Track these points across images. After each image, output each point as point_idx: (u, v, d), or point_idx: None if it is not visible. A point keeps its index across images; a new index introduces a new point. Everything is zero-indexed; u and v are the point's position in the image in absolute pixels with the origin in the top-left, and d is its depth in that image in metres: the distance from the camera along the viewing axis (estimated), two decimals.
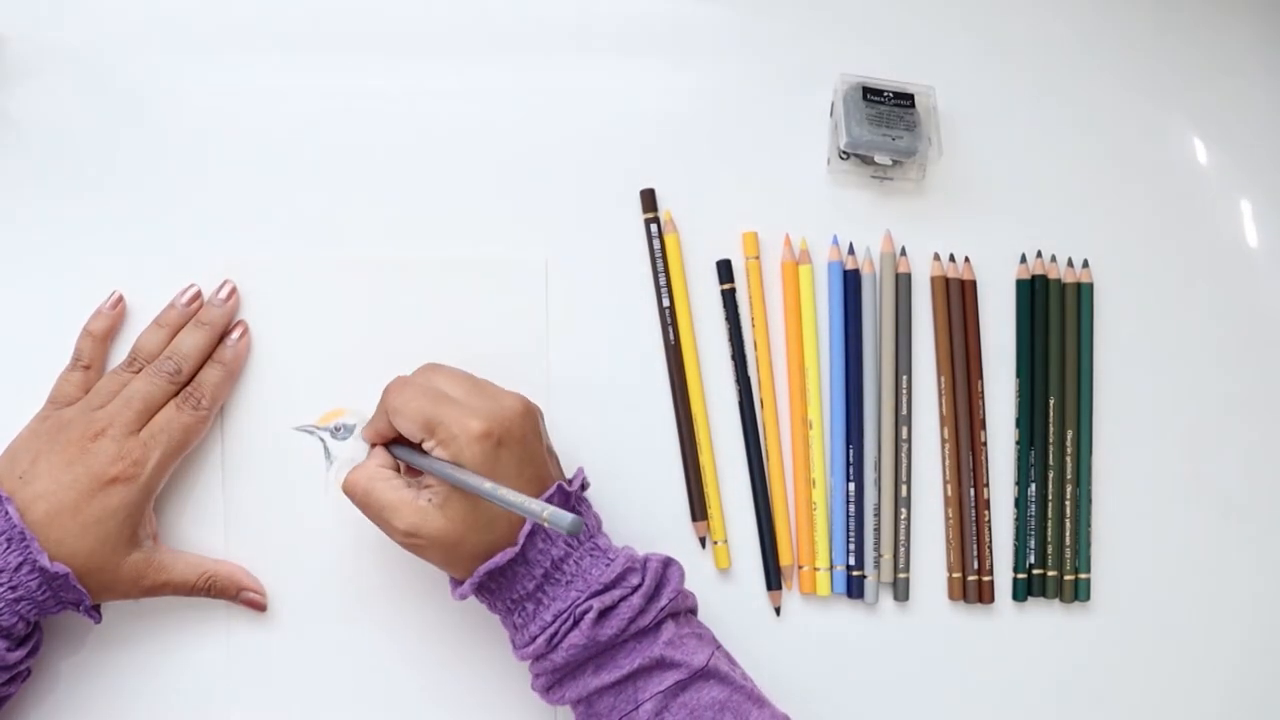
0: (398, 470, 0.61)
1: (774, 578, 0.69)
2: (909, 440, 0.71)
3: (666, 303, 0.69)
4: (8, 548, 0.58)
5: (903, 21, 0.74)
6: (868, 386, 0.70)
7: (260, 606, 0.66)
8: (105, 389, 0.63)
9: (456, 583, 0.61)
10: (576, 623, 0.58)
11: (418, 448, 0.60)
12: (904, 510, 0.70)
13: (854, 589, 0.70)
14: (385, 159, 0.70)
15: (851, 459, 0.70)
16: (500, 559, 0.58)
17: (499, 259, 0.69)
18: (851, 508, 0.70)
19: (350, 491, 0.60)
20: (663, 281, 0.70)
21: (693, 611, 0.63)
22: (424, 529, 0.58)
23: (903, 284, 0.71)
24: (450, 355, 0.64)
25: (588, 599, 0.58)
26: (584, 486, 0.62)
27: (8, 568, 0.58)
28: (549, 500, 0.59)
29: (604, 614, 0.58)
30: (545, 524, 0.53)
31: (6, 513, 0.58)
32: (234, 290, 0.66)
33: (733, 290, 0.70)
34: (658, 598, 0.60)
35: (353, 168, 0.69)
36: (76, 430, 0.61)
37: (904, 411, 0.71)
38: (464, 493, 0.57)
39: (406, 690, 0.67)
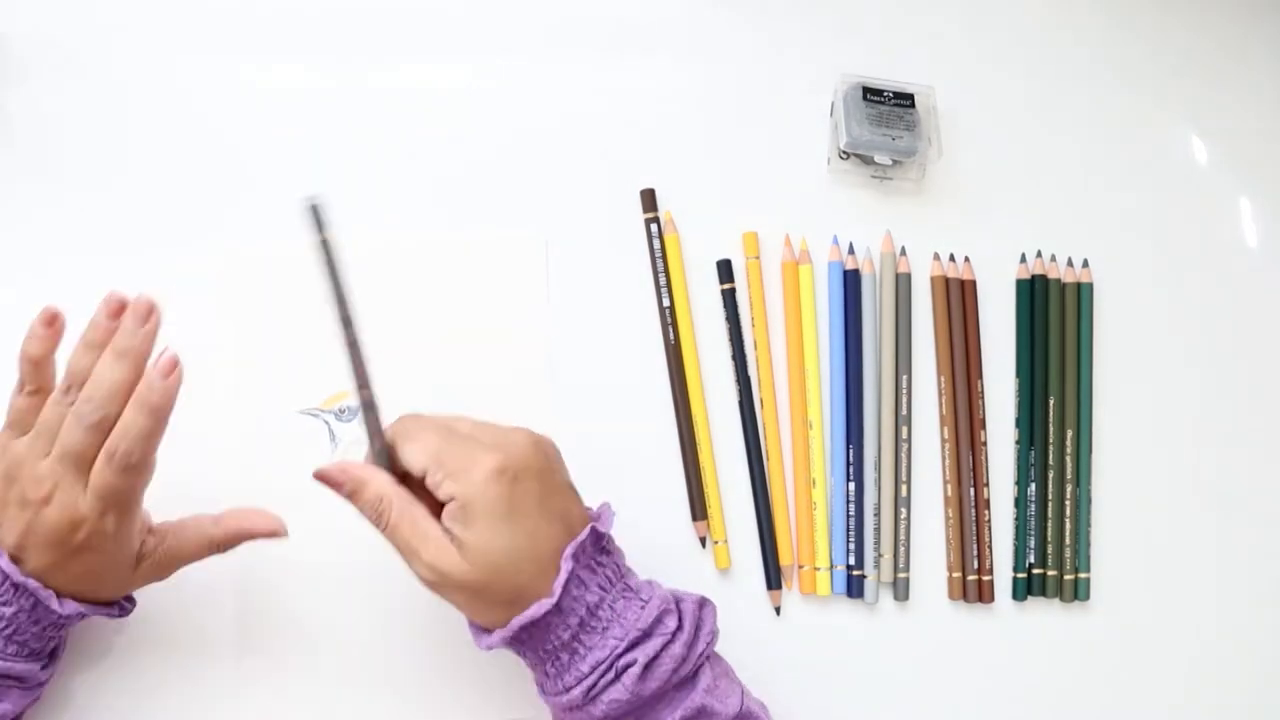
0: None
1: (774, 577, 0.69)
2: (909, 440, 0.71)
3: (667, 302, 0.70)
4: (15, 592, 0.55)
5: (903, 21, 0.74)
6: (867, 386, 0.70)
7: (280, 534, 0.61)
8: (48, 424, 0.55)
9: (481, 631, 0.56)
10: (618, 676, 0.54)
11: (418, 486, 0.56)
12: (904, 510, 0.70)
13: (854, 589, 0.70)
14: (387, 154, 0.70)
15: (851, 459, 0.70)
16: (536, 611, 0.53)
17: (498, 238, 0.69)
18: (851, 507, 0.70)
19: (377, 517, 0.56)
20: (663, 281, 0.70)
21: (713, 646, 0.60)
22: (449, 576, 0.54)
23: (903, 284, 0.71)
24: (450, 337, 0.64)
25: (627, 649, 0.54)
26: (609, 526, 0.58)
27: (24, 608, 0.55)
28: (580, 546, 0.54)
29: (647, 666, 0.54)
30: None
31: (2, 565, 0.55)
32: (152, 309, 0.55)
33: (733, 290, 0.70)
34: (696, 644, 0.56)
35: (353, 163, 0.69)
36: (29, 492, 0.54)
37: (904, 411, 0.71)
38: (487, 534, 0.53)
39: (418, 676, 0.66)
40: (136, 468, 0.54)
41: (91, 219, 0.68)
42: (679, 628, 0.56)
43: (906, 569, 0.70)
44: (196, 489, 0.66)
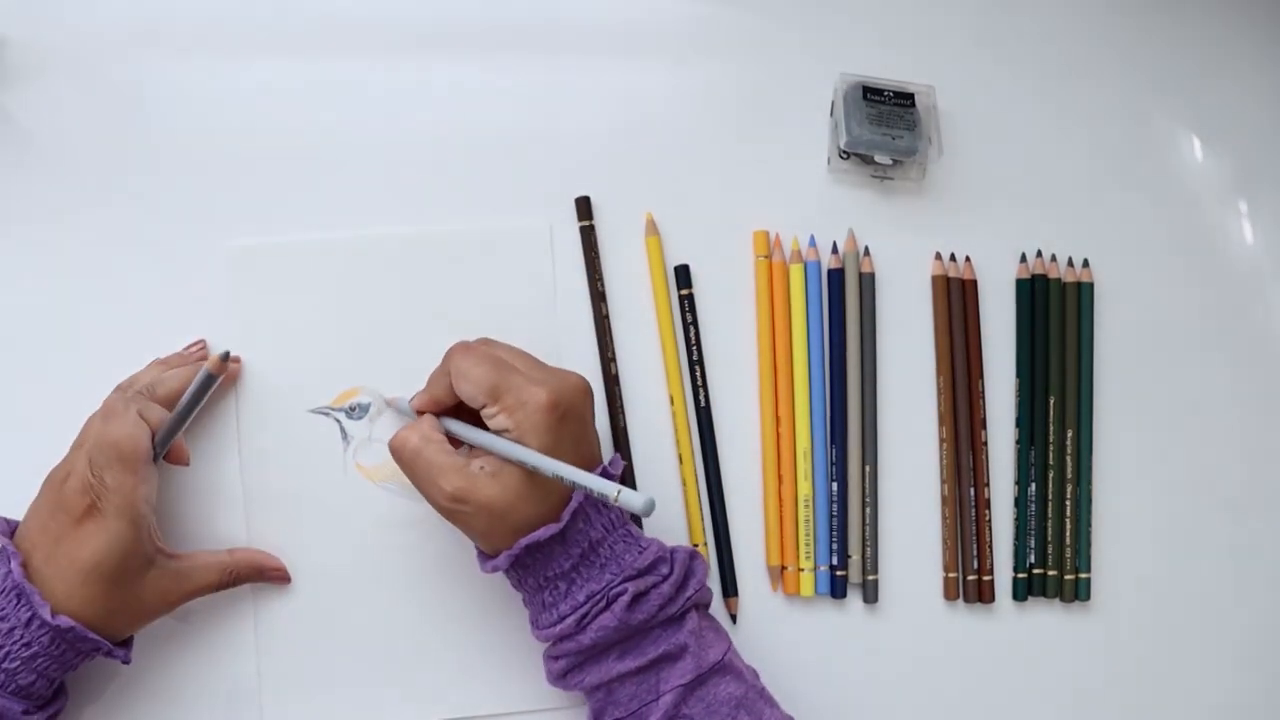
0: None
1: (731, 584, 0.69)
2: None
3: (604, 312, 0.69)
4: (18, 603, 0.56)
5: (903, 21, 0.74)
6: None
7: (285, 580, 0.66)
8: (87, 424, 0.61)
9: (485, 556, 0.60)
10: (609, 604, 0.58)
11: (474, 422, 0.60)
12: (895, 510, 0.70)
13: (836, 589, 0.69)
14: (390, 150, 0.70)
15: (834, 458, 0.70)
16: (542, 533, 0.57)
17: (502, 229, 0.69)
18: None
19: (399, 449, 0.59)
20: (600, 289, 0.69)
21: (706, 606, 0.63)
22: (473, 495, 0.57)
23: (866, 283, 0.71)
24: (459, 328, 0.64)
25: (621, 582, 0.58)
26: (619, 475, 0.62)
27: (19, 624, 0.56)
28: None
29: (636, 598, 0.58)
30: (615, 504, 0.53)
31: (9, 569, 0.57)
32: (238, 358, 0.67)
33: (691, 295, 0.70)
34: (685, 588, 0.60)
35: (352, 158, 0.70)
36: (57, 475, 0.59)
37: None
38: (518, 464, 0.57)
39: (432, 667, 0.67)
40: (131, 414, 0.59)
41: (91, 220, 0.68)
42: (670, 572, 0.60)
43: (875, 570, 0.70)
44: (208, 494, 0.66)
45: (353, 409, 0.67)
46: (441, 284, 0.68)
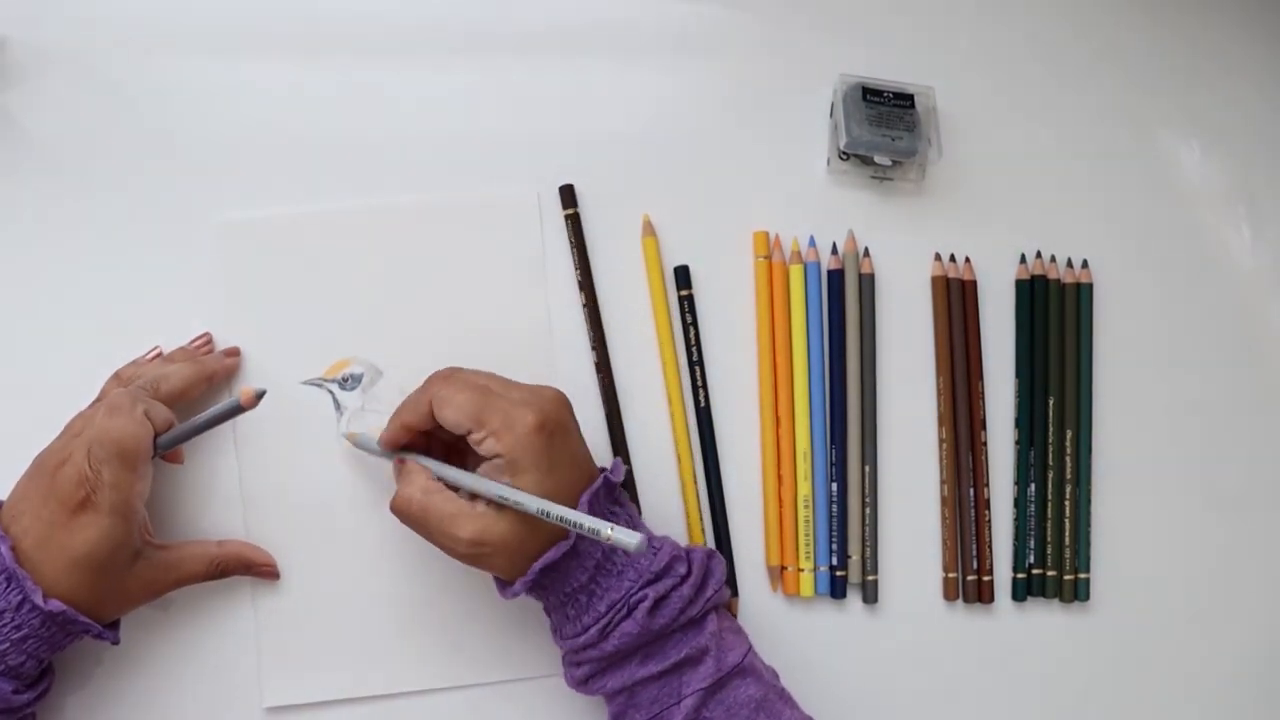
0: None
1: (730, 585, 0.69)
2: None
3: (586, 300, 0.69)
4: (7, 586, 0.56)
5: (903, 21, 0.74)
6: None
7: (273, 576, 0.66)
8: (87, 413, 0.61)
9: (503, 584, 0.60)
10: (630, 612, 0.58)
11: (460, 459, 0.59)
12: (895, 510, 0.70)
13: (836, 589, 0.70)
14: (384, 150, 0.70)
15: (834, 459, 0.70)
16: (554, 554, 0.57)
17: (490, 197, 0.69)
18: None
19: (404, 510, 0.59)
20: (579, 277, 0.69)
21: (725, 605, 0.64)
22: (489, 535, 0.57)
23: (866, 284, 0.71)
24: (448, 297, 0.64)
25: (641, 588, 0.58)
26: (622, 481, 0.62)
27: (9, 607, 0.56)
28: (595, 493, 0.59)
29: (657, 603, 0.58)
30: (608, 543, 0.53)
31: (0, 551, 0.56)
32: (238, 349, 0.67)
33: (690, 296, 0.70)
34: (704, 589, 0.60)
35: (357, 170, 0.70)
36: (51, 460, 0.58)
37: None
38: (531, 488, 0.57)
39: (430, 636, 0.67)
40: (138, 415, 0.58)
41: (91, 220, 0.68)
42: (688, 573, 0.60)
43: (875, 570, 0.70)
44: (206, 468, 0.66)
45: (345, 380, 0.67)
46: (430, 253, 0.68)
